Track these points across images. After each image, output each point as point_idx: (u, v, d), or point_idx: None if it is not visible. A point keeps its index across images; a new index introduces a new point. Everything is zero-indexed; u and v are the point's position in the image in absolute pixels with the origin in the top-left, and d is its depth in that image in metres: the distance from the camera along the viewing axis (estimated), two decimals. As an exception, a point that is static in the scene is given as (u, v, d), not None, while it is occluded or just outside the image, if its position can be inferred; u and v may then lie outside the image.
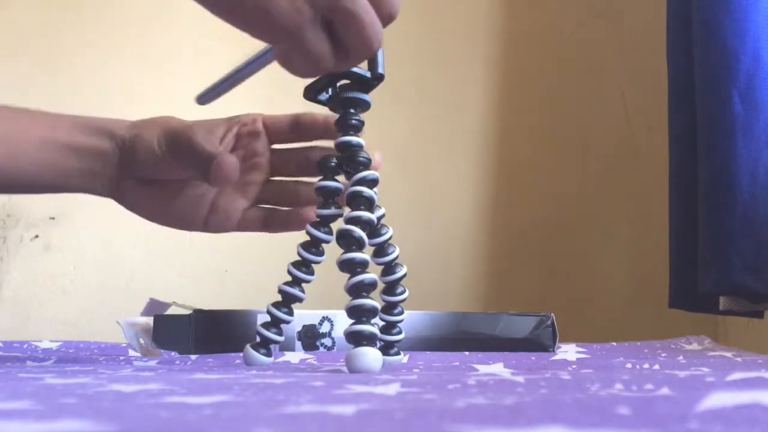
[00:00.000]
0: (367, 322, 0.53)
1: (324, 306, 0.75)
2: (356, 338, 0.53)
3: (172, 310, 0.81)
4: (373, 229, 0.57)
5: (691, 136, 1.02)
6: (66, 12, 1.34)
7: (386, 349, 0.59)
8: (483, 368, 0.61)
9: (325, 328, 0.76)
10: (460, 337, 0.78)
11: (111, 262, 1.30)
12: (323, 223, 0.57)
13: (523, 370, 0.58)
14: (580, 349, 0.78)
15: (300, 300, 0.58)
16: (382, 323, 0.59)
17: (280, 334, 0.57)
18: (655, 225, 1.29)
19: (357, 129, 0.57)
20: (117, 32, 1.33)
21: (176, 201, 0.66)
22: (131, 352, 0.81)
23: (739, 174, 0.94)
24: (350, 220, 0.55)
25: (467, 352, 0.71)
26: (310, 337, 0.76)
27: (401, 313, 0.59)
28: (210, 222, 0.66)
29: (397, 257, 0.59)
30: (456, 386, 0.38)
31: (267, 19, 0.48)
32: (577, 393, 0.34)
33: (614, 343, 0.86)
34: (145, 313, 0.82)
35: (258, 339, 0.57)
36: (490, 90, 1.41)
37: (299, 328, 0.76)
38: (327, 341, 0.76)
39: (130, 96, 1.29)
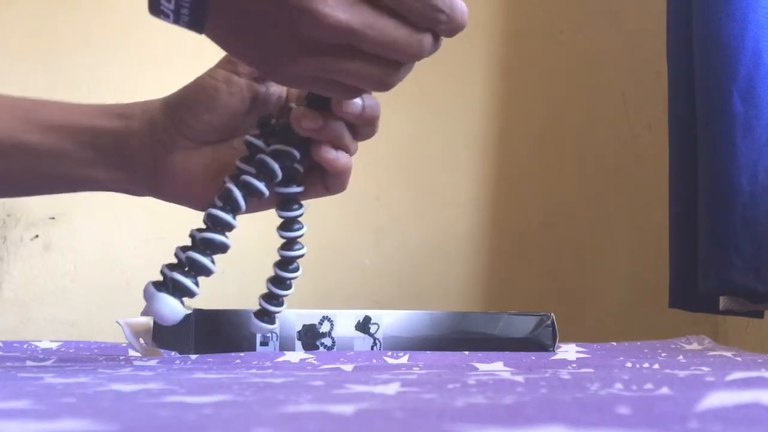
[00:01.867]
0: (186, 275, 0.53)
1: (324, 306, 0.75)
2: (172, 285, 0.53)
3: (172, 310, 0.81)
4: (287, 200, 0.57)
5: (691, 136, 1.02)
6: (66, 12, 1.34)
7: (261, 315, 0.58)
8: (483, 366, 0.61)
9: (325, 327, 0.76)
10: (460, 337, 0.78)
11: (111, 262, 1.30)
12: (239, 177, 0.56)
13: (523, 369, 0.58)
14: (580, 349, 0.78)
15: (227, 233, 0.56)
16: (265, 290, 0.58)
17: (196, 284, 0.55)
18: (655, 225, 1.29)
19: (312, 103, 0.56)
20: (117, 32, 1.33)
21: (221, 168, 0.58)
22: (131, 352, 0.81)
23: (739, 174, 0.94)
24: (239, 183, 0.55)
25: (467, 352, 0.71)
26: (310, 337, 0.76)
27: (290, 288, 0.58)
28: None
29: (301, 236, 0.58)
30: (456, 386, 0.38)
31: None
32: (576, 392, 0.34)
33: (614, 343, 0.86)
34: (145, 313, 0.82)
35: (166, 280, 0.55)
36: (490, 90, 1.41)
37: (299, 328, 0.76)
38: (327, 341, 0.76)
39: (130, 96, 1.28)
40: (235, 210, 0.55)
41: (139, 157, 0.59)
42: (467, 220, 1.38)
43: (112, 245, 1.30)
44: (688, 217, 1.03)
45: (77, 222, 1.30)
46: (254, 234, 1.32)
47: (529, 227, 1.38)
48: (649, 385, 0.36)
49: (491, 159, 1.40)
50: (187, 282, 0.53)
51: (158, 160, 0.59)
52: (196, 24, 0.47)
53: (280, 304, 0.59)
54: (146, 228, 1.29)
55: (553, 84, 1.41)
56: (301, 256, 0.58)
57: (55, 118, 0.61)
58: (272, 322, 0.59)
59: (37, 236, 1.29)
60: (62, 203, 1.29)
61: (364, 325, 0.77)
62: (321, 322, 0.76)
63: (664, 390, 0.35)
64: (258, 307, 0.59)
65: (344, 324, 0.77)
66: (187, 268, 0.54)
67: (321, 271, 1.22)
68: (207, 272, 0.54)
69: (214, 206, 0.56)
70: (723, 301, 0.99)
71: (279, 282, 0.58)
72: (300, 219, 0.59)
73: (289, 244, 0.58)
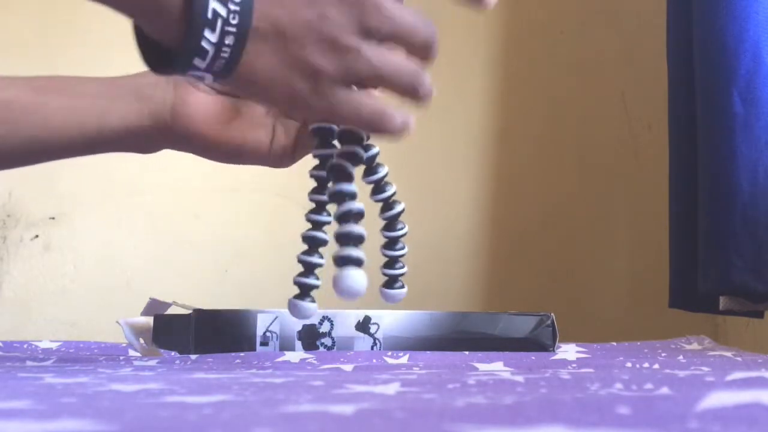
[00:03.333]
0: (355, 246, 0.54)
1: (324, 306, 0.75)
2: (344, 261, 0.53)
3: (172, 310, 0.81)
4: (369, 167, 0.59)
5: (691, 136, 1.02)
6: (66, 11, 1.34)
7: (390, 283, 0.60)
8: (483, 366, 0.61)
9: (325, 327, 0.76)
10: (460, 337, 0.77)
11: (111, 262, 1.30)
12: (322, 165, 0.58)
13: (523, 369, 0.58)
14: (580, 349, 0.78)
15: (325, 243, 0.58)
16: (385, 259, 0.60)
17: (317, 278, 0.57)
18: (655, 225, 1.29)
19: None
20: (118, 32, 1.33)
21: (241, 118, 0.63)
22: (131, 352, 0.81)
23: (739, 174, 0.94)
24: (341, 155, 0.56)
25: (467, 352, 0.71)
26: (310, 337, 0.76)
27: (403, 248, 0.60)
28: (274, 147, 0.64)
29: (394, 194, 0.61)
30: (456, 386, 0.38)
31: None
32: (576, 392, 0.34)
33: (614, 343, 0.86)
34: (145, 313, 0.82)
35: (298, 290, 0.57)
36: (490, 90, 1.41)
37: (299, 328, 0.76)
38: (327, 341, 0.76)
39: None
40: (351, 180, 0.56)
41: (157, 97, 0.63)
42: (467, 219, 1.38)
43: (112, 245, 1.30)
44: (688, 217, 1.03)
45: (77, 222, 1.30)
46: (255, 234, 1.32)
47: (529, 227, 1.38)
48: (649, 385, 0.36)
49: (491, 159, 1.40)
50: (357, 252, 0.54)
51: (176, 98, 0.63)
52: (230, 68, 0.48)
53: (402, 266, 0.60)
54: (146, 228, 1.29)
55: (553, 84, 1.41)
56: (402, 211, 0.61)
57: (71, 83, 0.65)
58: (403, 286, 0.60)
59: (37, 236, 1.29)
60: (62, 203, 1.29)
61: (364, 325, 0.77)
62: (321, 322, 0.76)
63: (664, 390, 0.35)
64: (385, 277, 0.60)
65: (344, 324, 0.76)
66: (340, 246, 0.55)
67: (320, 272, 1.22)
68: (363, 239, 0.55)
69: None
70: (723, 301, 0.99)
71: (393, 245, 0.60)
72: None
73: (387, 205, 0.61)
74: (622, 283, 1.38)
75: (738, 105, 0.95)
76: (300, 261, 0.57)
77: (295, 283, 0.57)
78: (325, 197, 0.57)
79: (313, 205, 0.58)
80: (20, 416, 0.28)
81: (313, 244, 0.58)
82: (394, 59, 0.52)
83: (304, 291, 0.57)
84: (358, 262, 0.53)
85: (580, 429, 0.24)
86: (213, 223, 1.31)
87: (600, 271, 1.38)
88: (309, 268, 0.57)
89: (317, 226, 0.58)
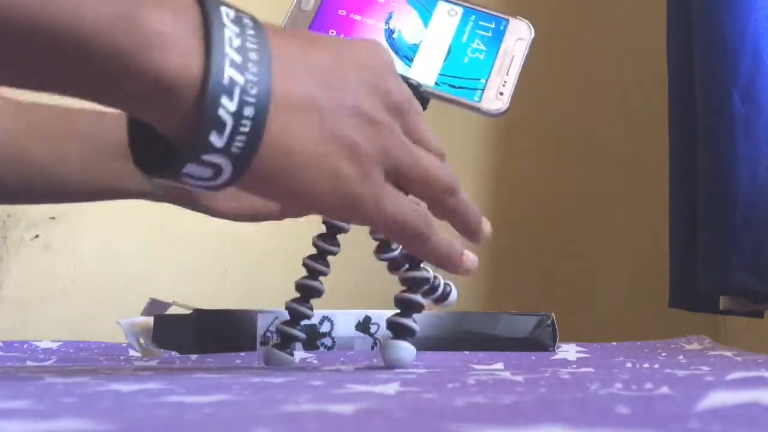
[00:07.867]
0: (409, 316, 0.55)
1: (324, 306, 0.75)
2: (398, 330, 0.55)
3: (172, 310, 0.81)
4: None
5: (691, 136, 1.02)
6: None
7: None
8: (483, 366, 0.61)
9: (325, 327, 0.76)
10: (460, 337, 0.77)
11: (111, 262, 1.30)
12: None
13: (523, 369, 0.58)
14: (580, 349, 0.78)
15: (320, 294, 0.58)
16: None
17: (302, 331, 0.58)
18: (655, 225, 1.29)
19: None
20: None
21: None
22: (131, 352, 0.81)
23: (739, 174, 0.94)
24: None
25: (467, 352, 0.71)
26: (310, 337, 0.76)
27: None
28: (289, 214, 0.64)
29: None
30: (456, 386, 0.38)
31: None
32: (576, 392, 0.34)
33: (614, 343, 0.86)
34: (145, 313, 0.82)
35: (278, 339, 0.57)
36: (490, 90, 1.41)
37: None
38: (327, 341, 0.76)
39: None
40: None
41: None
42: (467, 220, 1.38)
43: (112, 245, 1.30)
44: (688, 217, 1.03)
45: (77, 222, 1.30)
46: (257, 235, 1.32)
47: (529, 227, 1.38)
48: (649, 385, 0.36)
49: (491, 158, 1.40)
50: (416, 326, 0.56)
51: None
52: (248, 156, 0.40)
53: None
54: (146, 228, 1.29)
55: (554, 84, 1.41)
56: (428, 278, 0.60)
57: (88, 130, 0.62)
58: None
59: (37, 236, 1.29)
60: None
61: (364, 325, 0.77)
62: (321, 322, 0.76)
63: (664, 390, 0.35)
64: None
65: (344, 324, 0.76)
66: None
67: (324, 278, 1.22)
68: (422, 308, 0.56)
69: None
70: (723, 301, 0.99)
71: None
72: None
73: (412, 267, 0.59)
74: (622, 283, 1.38)
75: (738, 105, 0.95)
76: (287, 308, 0.56)
77: (278, 330, 0.57)
78: (329, 246, 0.57)
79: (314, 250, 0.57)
80: (20, 416, 0.28)
81: (307, 293, 0.57)
82: (430, 156, 0.49)
83: (285, 341, 0.56)
84: (411, 333, 0.55)
85: (580, 429, 0.24)
86: (213, 223, 1.31)
87: (600, 271, 1.38)
88: (296, 317, 0.57)
89: (314, 274, 0.57)
